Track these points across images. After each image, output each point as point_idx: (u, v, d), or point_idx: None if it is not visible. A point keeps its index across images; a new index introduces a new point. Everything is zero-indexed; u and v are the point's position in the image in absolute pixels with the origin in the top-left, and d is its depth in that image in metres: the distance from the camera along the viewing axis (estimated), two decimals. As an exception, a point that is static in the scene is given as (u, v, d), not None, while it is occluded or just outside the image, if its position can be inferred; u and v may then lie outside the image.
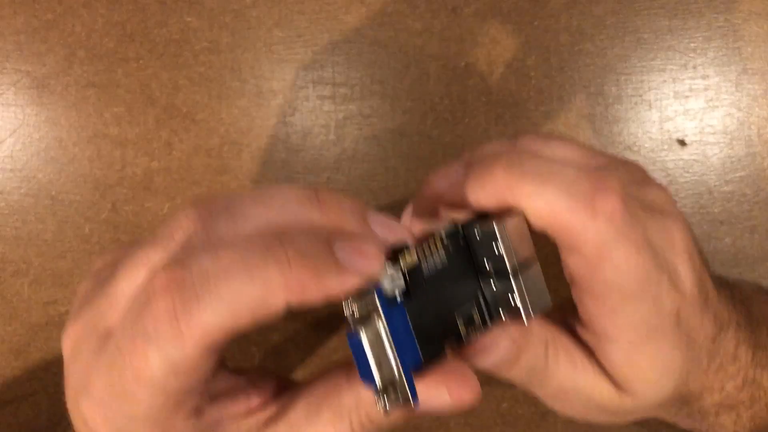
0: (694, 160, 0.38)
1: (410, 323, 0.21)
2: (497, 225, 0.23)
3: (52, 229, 0.39)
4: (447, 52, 0.38)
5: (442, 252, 0.23)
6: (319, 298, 0.20)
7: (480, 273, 0.24)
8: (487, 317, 0.25)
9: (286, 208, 0.22)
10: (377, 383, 0.21)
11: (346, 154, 0.38)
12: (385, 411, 0.21)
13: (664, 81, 0.38)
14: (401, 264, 0.21)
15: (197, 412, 0.22)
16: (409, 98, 0.38)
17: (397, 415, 0.23)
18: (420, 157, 0.38)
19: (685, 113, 0.38)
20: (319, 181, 0.37)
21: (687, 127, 0.38)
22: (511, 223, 0.23)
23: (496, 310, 0.24)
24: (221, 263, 0.20)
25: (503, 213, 0.24)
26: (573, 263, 0.24)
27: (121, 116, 0.38)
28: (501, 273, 0.24)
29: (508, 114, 0.38)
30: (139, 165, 0.38)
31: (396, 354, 0.20)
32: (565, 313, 0.28)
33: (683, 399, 0.29)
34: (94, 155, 0.38)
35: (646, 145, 0.38)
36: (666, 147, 0.38)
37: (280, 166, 0.38)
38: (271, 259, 0.19)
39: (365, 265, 0.20)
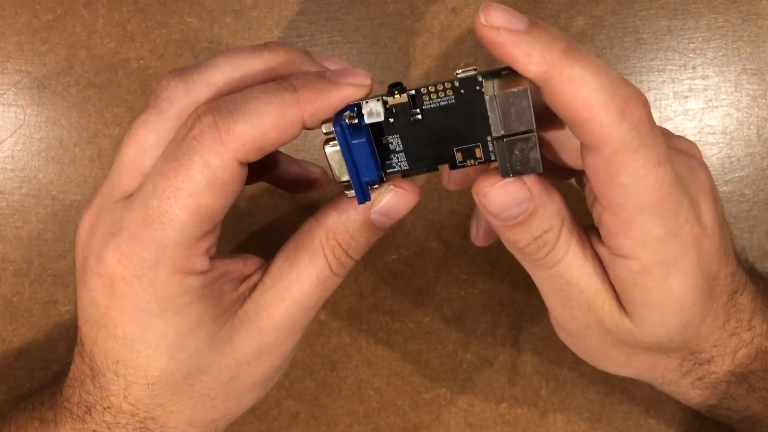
0: (693, 160, 0.38)
1: (370, 148, 0.25)
2: (522, 88, 0.23)
3: (52, 229, 0.39)
4: (447, 52, 0.38)
5: (450, 92, 0.25)
6: (325, 111, 0.25)
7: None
8: (492, 157, 0.26)
9: (241, 55, 0.27)
10: (337, 178, 0.26)
11: (346, 154, 0.38)
12: (346, 196, 0.27)
13: (664, 81, 0.38)
14: (386, 99, 0.25)
15: (209, 253, 0.26)
16: (409, 98, 0.38)
17: (361, 231, 0.27)
18: (420, 157, 0.38)
19: (684, 113, 0.38)
20: (320, 181, 0.38)
21: (686, 128, 0.38)
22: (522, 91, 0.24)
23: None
24: (245, 95, 0.25)
25: (515, 80, 0.24)
26: (593, 163, 0.24)
27: (122, 116, 0.38)
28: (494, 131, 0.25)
29: (508, 114, 0.38)
30: (139, 165, 0.38)
31: (348, 168, 0.25)
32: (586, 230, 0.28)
33: (693, 353, 0.29)
34: (94, 155, 0.38)
35: (646, 145, 0.38)
36: (665, 147, 0.38)
37: (280, 166, 0.38)
38: (281, 88, 0.25)
39: (355, 79, 0.25)
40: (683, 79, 0.38)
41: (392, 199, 0.27)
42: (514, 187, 0.25)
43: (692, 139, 0.38)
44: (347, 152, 0.25)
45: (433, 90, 0.25)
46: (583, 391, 0.39)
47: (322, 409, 0.39)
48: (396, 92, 0.25)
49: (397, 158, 0.27)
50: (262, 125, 0.24)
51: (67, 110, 0.38)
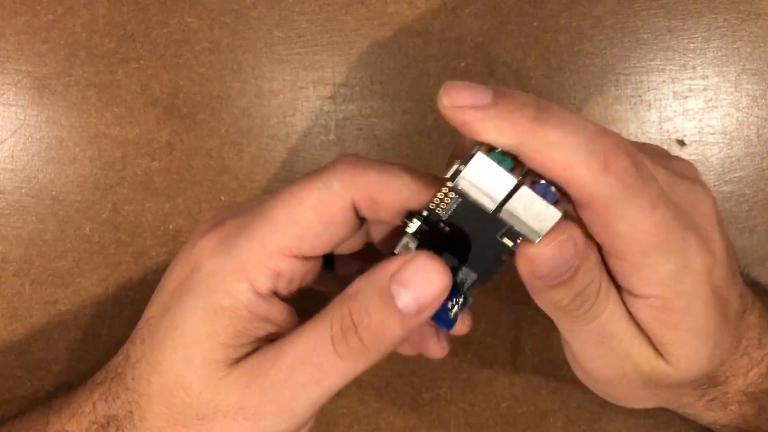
0: (693, 160, 0.38)
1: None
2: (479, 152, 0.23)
3: (52, 229, 0.39)
4: (447, 52, 0.38)
5: (452, 194, 0.24)
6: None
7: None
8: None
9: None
10: None
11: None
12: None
13: (664, 81, 0.38)
14: (405, 231, 0.26)
15: (277, 287, 0.26)
16: (409, 98, 0.38)
17: (378, 305, 0.26)
18: (420, 157, 0.38)
19: (684, 113, 0.38)
20: (320, 181, 0.38)
21: (686, 128, 0.38)
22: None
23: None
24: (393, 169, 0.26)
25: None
26: (588, 219, 0.24)
27: (122, 116, 0.38)
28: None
29: (508, 114, 0.38)
30: (139, 165, 0.38)
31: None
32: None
33: (711, 379, 0.29)
34: (95, 155, 0.39)
35: (646, 145, 0.38)
36: (665, 147, 0.38)
37: (280, 167, 0.38)
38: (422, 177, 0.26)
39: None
40: (683, 79, 0.38)
41: (414, 268, 0.25)
42: (565, 244, 0.24)
43: (692, 139, 0.38)
44: None
45: (438, 201, 0.25)
46: (583, 391, 0.39)
47: (322, 409, 0.39)
48: (407, 221, 0.25)
49: (463, 273, 0.26)
50: (388, 183, 0.25)
51: (67, 110, 0.38)
